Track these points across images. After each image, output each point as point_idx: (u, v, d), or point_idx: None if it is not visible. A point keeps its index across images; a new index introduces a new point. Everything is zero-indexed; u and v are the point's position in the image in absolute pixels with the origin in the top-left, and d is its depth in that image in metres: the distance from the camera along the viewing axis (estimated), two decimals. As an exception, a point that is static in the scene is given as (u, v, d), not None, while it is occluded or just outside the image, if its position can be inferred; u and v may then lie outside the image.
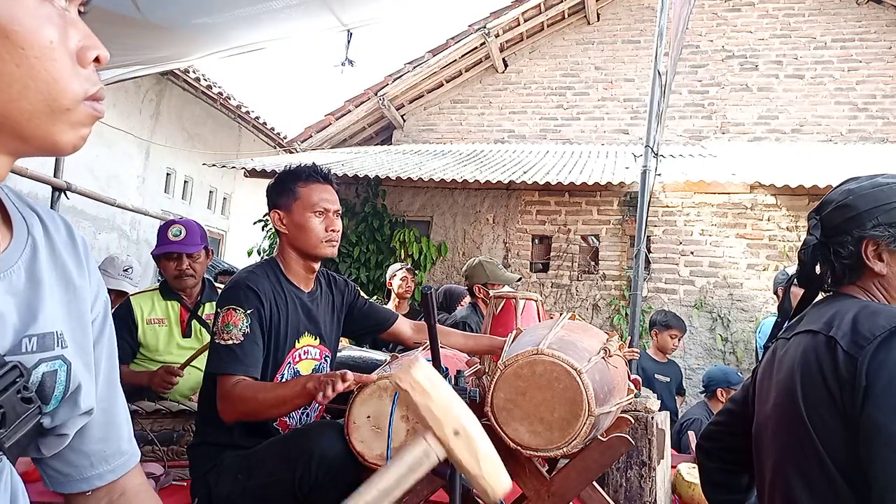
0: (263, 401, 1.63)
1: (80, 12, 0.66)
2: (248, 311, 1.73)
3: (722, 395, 3.81)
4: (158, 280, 7.16)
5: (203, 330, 2.71)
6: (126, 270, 3.42)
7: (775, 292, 4.02)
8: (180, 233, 2.68)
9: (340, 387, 1.51)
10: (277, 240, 1.97)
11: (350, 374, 1.53)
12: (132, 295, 2.79)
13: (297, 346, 1.89)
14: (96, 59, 0.64)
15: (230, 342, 1.69)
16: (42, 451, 0.73)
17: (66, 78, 0.61)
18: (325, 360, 2.00)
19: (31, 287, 0.68)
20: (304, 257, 1.91)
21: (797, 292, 1.37)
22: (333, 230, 1.88)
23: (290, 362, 1.87)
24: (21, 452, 0.69)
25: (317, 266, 1.96)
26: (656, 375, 4.09)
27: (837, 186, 1.30)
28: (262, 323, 1.76)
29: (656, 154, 3.89)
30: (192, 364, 2.66)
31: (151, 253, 2.78)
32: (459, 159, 7.31)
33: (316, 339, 1.96)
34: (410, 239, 6.74)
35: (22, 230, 0.69)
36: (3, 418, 0.62)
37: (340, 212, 1.94)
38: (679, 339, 4.27)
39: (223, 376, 1.68)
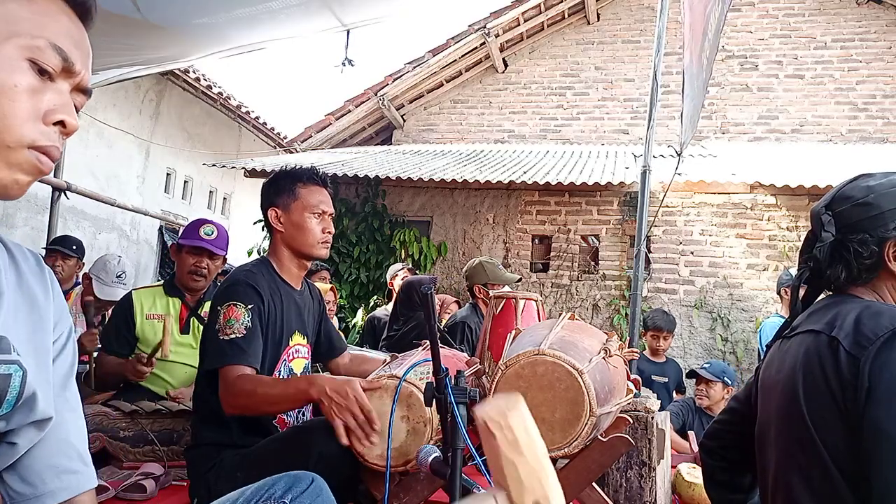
0: (263, 395, 1.64)
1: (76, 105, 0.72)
2: (249, 307, 1.74)
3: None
4: (159, 280, 7.13)
5: (201, 328, 2.71)
6: (119, 276, 3.41)
7: (778, 292, 4.01)
8: (212, 232, 2.72)
9: (350, 419, 1.51)
10: (270, 238, 1.99)
11: (363, 397, 1.52)
12: (135, 289, 2.79)
13: (291, 344, 1.90)
14: (63, 124, 0.69)
15: (233, 336, 1.70)
16: None
17: (19, 120, 0.66)
18: (310, 360, 2.02)
19: None
20: (298, 256, 1.94)
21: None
22: (329, 232, 1.93)
23: (285, 360, 1.88)
24: None
25: (309, 265, 2.00)
26: (653, 377, 4.07)
27: (851, 182, 1.26)
28: (261, 319, 1.77)
29: (679, 153, 3.87)
30: (182, 362, 2.68)
31: (177, 241, 2.77)
32: (459, 159, 7.31)
33: (304, 337, 1.97)
34: (410, 239, 6.73)
35: None
36: None
37: (334, 216, 1.98)
38: (664, 339, 4.15)
39: (225, 368, 1.68)
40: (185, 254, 2.70)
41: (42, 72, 0.67)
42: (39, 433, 0.77)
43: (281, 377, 1.85)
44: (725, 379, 3.48)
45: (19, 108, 0.65)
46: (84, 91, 0.73)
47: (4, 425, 0.72)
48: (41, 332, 0.79)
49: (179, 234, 2.82)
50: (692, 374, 3.56)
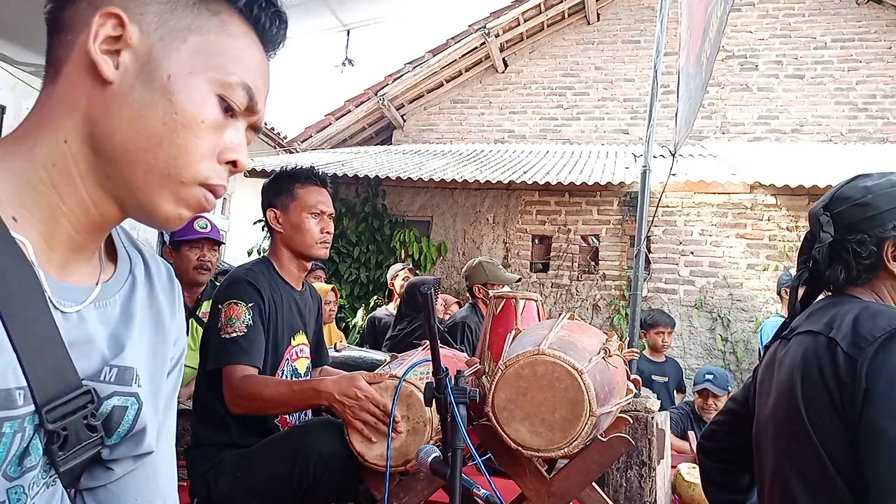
0: (269, 398, 1.65)
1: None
2: (250, 305, 1.75)
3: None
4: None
5: (199, 329, 2.71)
6: None
7: (779, 292, 4.01)
8: (206, 226, 2.75)
9: (368, 417, 1.54)
10: (270, 239, 2.00)
11: (373, 392, 1.55)
12: None
13: (293, 343, 1.91)
14: (234, 163, 0.67)
15: (234, 335, 1.71)
16: (85, 480, 0.72)
17: (198, 156, 0.64)
18: (311, 359, 2.02)
19: (123, 321, 0.70)
20: (297, 257, 1.94)
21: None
22: (328, 232, 1.94)
23: (287, 359, 1.88)
24: (74, 481, 0.69)
25: (309, 266, 2.01)
26: (653, 377, 4.07)
27: (848, 182, 1.26)
28: (262, 317, 1.78)
29: (674, 153, 3.87)
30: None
31: (173, 240, 2.77)
32: (459, 159, 7.31)
33: (306, 337, 1.97)
34: (410, 239, 6.74)
35: (125, 267, 0.73)
36: (65, 441, 0.62)
37: (334, 216, 1.99)
38: (668, 335, 4.18)
39: (229, 367, 1.69)
40: (185, 251, 2.71)
41: (228, 108, 0.66)
42: (135, 464, 0.74)
43: (284, 377, 1.85)
44: (729, 388, 3.51)
45: (202, 144, 0.64)
46: (256, 129, 0.72)
47: (108, 453, 0.69)
48: (161, 355, 0.75)
49: (170, 234, 2.81)
50: (703, 391, 3.55)
